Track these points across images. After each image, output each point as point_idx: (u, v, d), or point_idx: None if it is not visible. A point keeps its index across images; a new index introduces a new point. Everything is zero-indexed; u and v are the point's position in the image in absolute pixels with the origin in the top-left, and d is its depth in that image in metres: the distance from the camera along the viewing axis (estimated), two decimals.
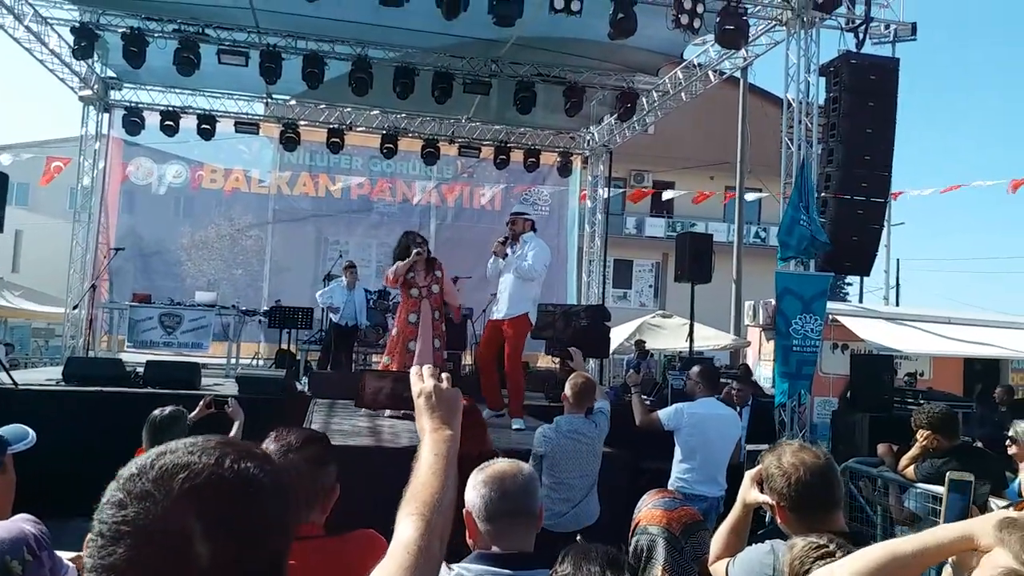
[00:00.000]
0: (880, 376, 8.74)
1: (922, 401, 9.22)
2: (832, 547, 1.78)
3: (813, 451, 2.18)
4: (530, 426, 6.67)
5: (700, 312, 15.03)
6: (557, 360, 10.95)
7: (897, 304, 25.27)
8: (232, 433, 4.48)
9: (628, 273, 25.87)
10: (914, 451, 4.57)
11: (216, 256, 16.42)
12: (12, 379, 7.62)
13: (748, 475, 2.35)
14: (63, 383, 7.96)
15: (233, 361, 11.06)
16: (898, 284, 26.93)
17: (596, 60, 11.54)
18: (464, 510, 1.92)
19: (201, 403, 4.74)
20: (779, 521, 2.14)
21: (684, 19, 8.50)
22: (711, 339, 15.72)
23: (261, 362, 12.12)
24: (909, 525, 4.57)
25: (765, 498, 2.19)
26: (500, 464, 1.97)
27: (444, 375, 1.53)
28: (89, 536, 0.84)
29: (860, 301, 23.78)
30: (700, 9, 8.49)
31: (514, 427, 6.77)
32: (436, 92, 11.32)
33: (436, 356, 6.94)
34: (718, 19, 8.77)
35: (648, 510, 2.11)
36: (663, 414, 5.36)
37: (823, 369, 12.47)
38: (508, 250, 7.07)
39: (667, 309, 18.90)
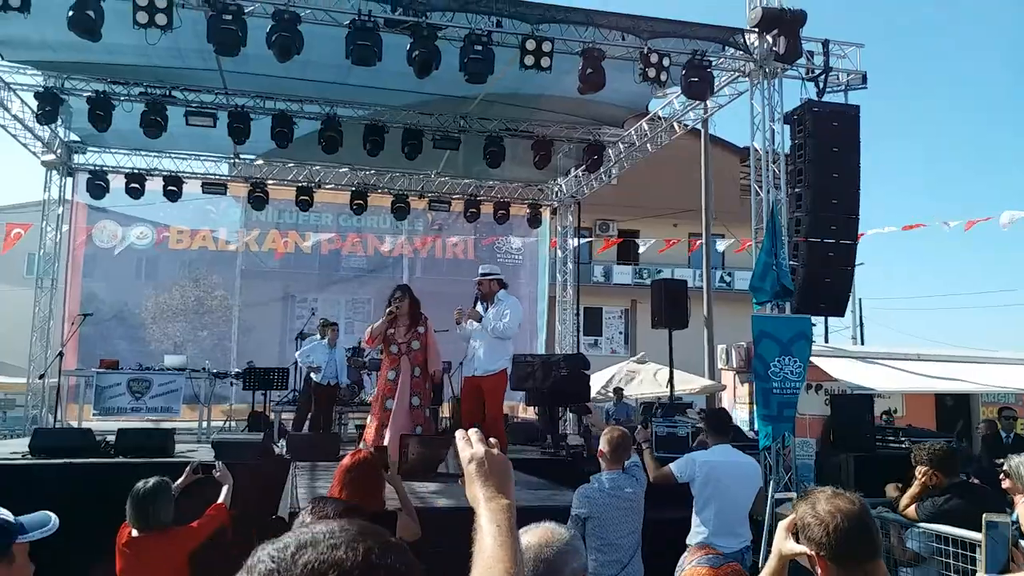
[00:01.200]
0: (861, 415, 8.82)
1: (903, 439, 9.33)
2: None
3: (848, 497, 2.14)
4: (519, 480, 6.57)
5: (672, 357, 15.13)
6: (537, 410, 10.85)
7: (862, 343, 25.68)
8: (221, 499, 4.34)
9: (598, 320, 25.97)
10: (914, 489, 4.57)
11: (181, 318, 16.12)
12: None
13: (781, 525, 2.30)
14: (30, 456, 7.64)
15: (205, 425, 10.77)
16: (862, 323, 27.39)
17: (564, 114, 11.74)
18: None
19: (187, 469, 4.57)
20: (819, 573, 2.09)
21: (651, 72, 8.71)
22: (687, 384, 15.75)
23: (233, 424, 11.83)
24: (913, 566, 4.55)
25: (802, 548, 2.14)
26: (534, 532, 1.85)
27: (491, 440, 1.48)
28: None
29: (826, 341, 24.11)
30: (666, 63, 8.72)
31: None
32: (406, 148, 11.39)
33: (416, 414, 6.84)
34: (684, 72, 9.00)
35: (692, 568, 2.05)
36: (675, 466, 5.25)
37: (799, 410, 12.56)
38: (480, 310, 7.09)
39: (638, 354, 18.95)
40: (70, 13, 7.14)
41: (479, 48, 8.19)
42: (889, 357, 13.86)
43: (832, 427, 9.43)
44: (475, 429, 1.50)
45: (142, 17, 7.22)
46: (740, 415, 14.84)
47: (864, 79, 17.14)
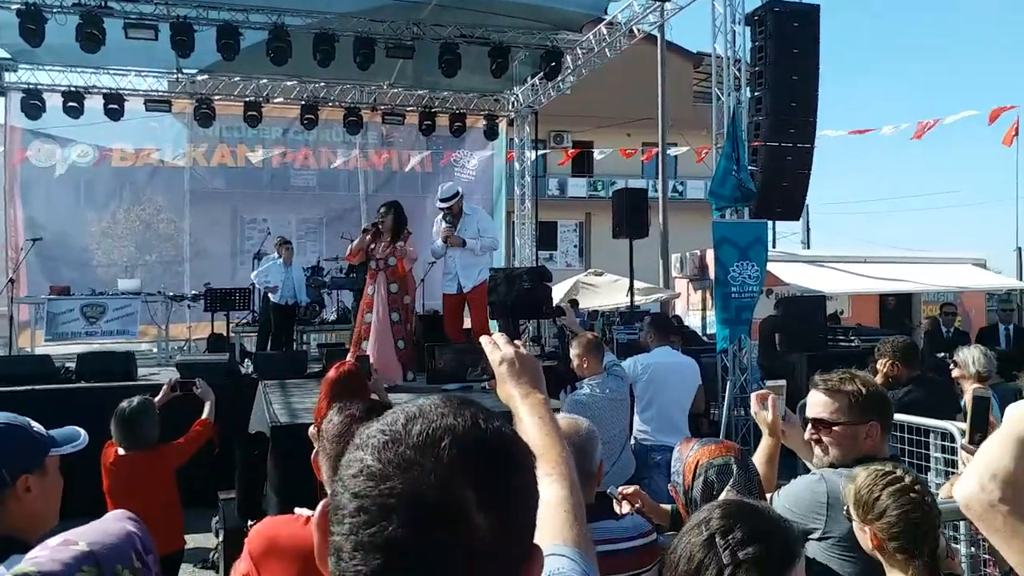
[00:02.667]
0: (813, 316, 9.09)
1: (852, 337, 9.70)
2: (900, 472, 1.83)
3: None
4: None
5: (627, 268, 15.31)
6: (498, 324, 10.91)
7: (808, 247, 26.29)
8: (205, 414, 4.33)
9: (553, 234, 26.02)
10: (877, 381, 4.77)
11: (129, 243, 15.65)
12: None
13: (754, 397, 2.42)
14: None
15: (164, 346, 10.66)
16: (808, 229, 27.97)
17: (520, 19, 11.43)
18: None
19: (165, 386, 4.54)
20: (871, 442, 2.16)
21: None
22: (644, 293, 16.02)
23: (193, 346, 11.73)
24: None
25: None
26: (561, 420, 1.93)
27: (518, 341, 1.50)
28: (342, 511, 0.77)
29: (774, 246, 24.63)
30: None
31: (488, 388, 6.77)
32: (358, 58, 11.00)
33: (396, 329, 6.84)
34: None
35: (701, 448, 2.13)
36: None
37: None
38: (451, 235, 7.07)
39: (593, 267, 19.16)
40: None
41: None
42: (837, 260, 14.27)
43: (781, 328, 9.73)
44: (499, 332, 1.52)
45: None
46: (693, 321, 15.23)
47: None
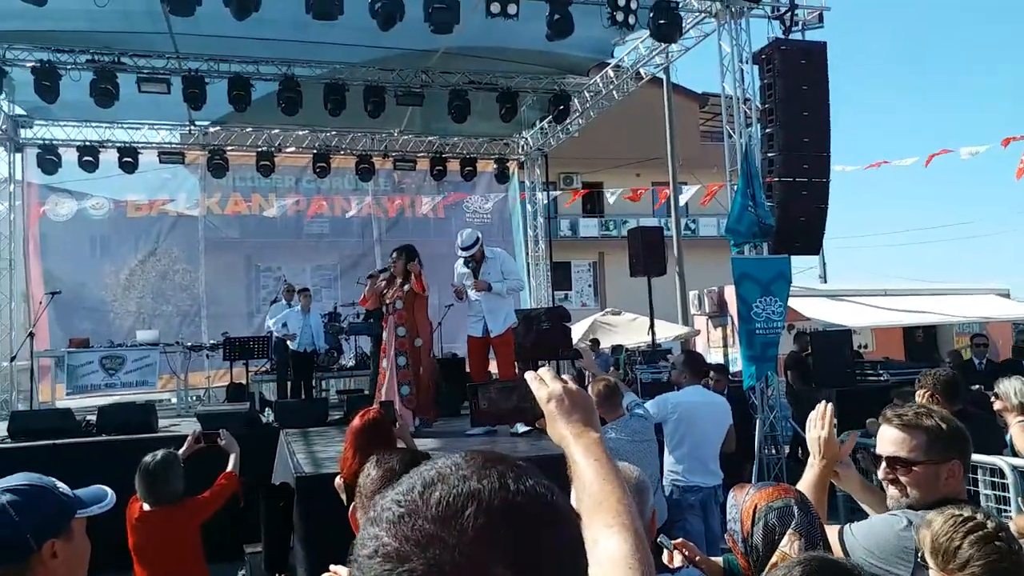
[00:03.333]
0: (840, 351, 8.96)
1: (880, 372, 9.52)
2: (981, 517, 1.72)
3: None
4: (532, 428, 6.55)
5: (644, 306, 15.20)
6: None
7: (825, 281, 26.11)
8: (230, 467, 4.24)
9: (567, 274, 25.99)
10: None
11: (146, 294, 15.72)
12: None
13: (815, 425, 2.30)
14: (9, 440, 7.43)
15: (184, 396, 10.62)
16: (824, 264, 27.80)
17: (528, 64, 11.55)
18: None
19: (189, 438, 4.44)
20: (952, 481, 2.04)
21: (620, 16, 8.59)
22: (664, 331, 15.91)
23: (213, 395, 11.67)
24: None
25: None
26: None
27: (566, 375, 1.42)
28: None
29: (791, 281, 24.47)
30: (634, 5, 8.59)
31: (520, 431, 6.56)
32: (368, 106, 11.12)
33: (401, 374, 6.74)
34: (651, 14, 8.88)
35: (757, 492, 2.02)
36: (648, 407, 5.30)
37: None
38: (476, 280, 7.00)
39: (608, 306, 19.07)
40: None
41: None
42: (857, 293, 14.13)
43: (806, 363, 9.59)
44: (545, 367, 1.44)
45: None
46: (715, 358, 15.04)
47: (820, 18, 17.18)
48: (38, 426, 7.54)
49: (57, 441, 7.09)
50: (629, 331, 15.14)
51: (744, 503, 2.00)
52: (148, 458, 3.86)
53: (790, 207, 8.97)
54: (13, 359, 10.54)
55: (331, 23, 9.03)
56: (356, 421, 3.77)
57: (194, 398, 11.17)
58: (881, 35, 78.74)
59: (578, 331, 15.67)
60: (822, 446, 2.28)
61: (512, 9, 8.25)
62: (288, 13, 9.06)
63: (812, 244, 9.32)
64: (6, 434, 7.54)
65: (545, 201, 14.77)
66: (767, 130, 9.15)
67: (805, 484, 2.28)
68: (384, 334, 6.82)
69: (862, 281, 17.88)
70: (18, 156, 12.46)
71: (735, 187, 8.77)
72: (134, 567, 3.79)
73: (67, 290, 13.51)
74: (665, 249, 10.19)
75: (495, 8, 8.20)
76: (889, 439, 2.11)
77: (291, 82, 10.85)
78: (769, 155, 9.12)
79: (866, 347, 14.27)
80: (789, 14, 9.62)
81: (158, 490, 3.79)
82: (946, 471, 2.02)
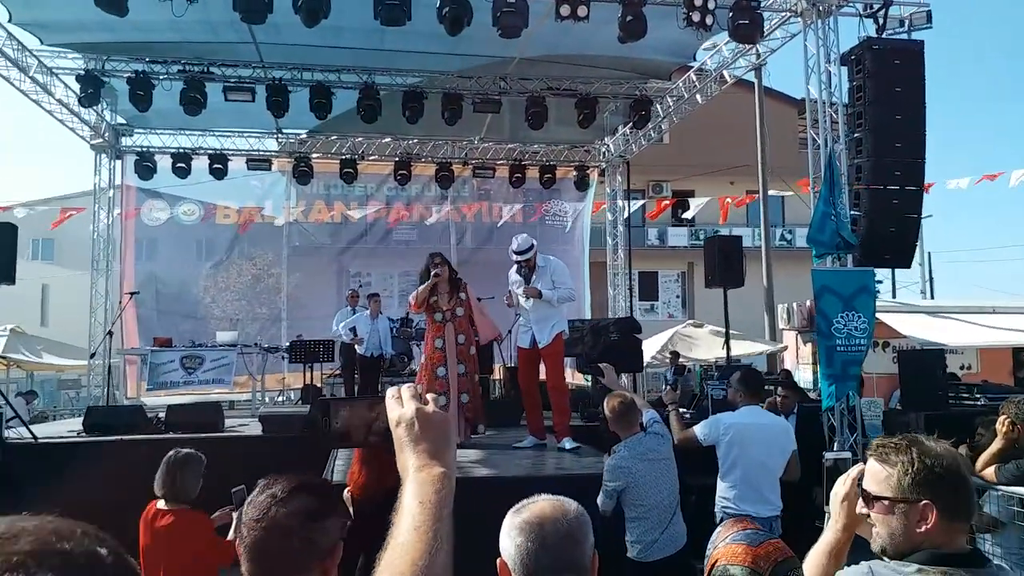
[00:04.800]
0: (932, 372, 8.30)
1: (977, 396, 8.78)
2: None
3: (948, 445, 1.80)
4: (584, 448, 6.35)
5: (733, 319, 14.58)
6: (589, 377, 10.58)
7: (932, 298, 24.62)
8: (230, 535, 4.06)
9: (654, 285, 25.46)
10: (994, 447, 4.17)
11: (240, 296, 16.35)
12: (31, 432, 7.43)
13: (843, 481, 1.97)
14: (84, 434, 7.75)
15: (260, 396, 10.88)
16: (931, 277, 26.20)
17: (606, 69, 11.31)
18: (499, 560, 1.59)
19: (227, 509, 4.04)
20: (924, 529, 1.71)
21: (696, 17, 8.25)
22: (747, 345, 15.29)
23: (288, 396, 11.93)
24: (991, 532, 4.17)
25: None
26: (540, 504, 1.59)
27: (431, 396, 1.23)
28: None
29: (893, 296, 23.19)
30: (711, 5, 8.24)
31: (567, 448, 6.45)
32: (446, 114, 11.14)
33: (462, 382, 6.66)
34: (730, 14, 8.50)
35: (727, 546, 1.77)
36: (699, 428, 4.97)
37: (865, 368, 12.04)
38: (527, 287, 6.82)
39: (696, 319, 18.49)
40: None
41: (512, 1, 7.84)
42: (962, 311, 13.16)
43: (900, 384, 8.94)
44: (409, 385, 1.25)
45: None
46: (804, 376, 14.34)
47: (928, 17, 16.23)
48: (111, 421, 7.83)
49: (125, 437, 7.32)
50: (711, 345, 14.60)
51: (715, 548, 1.75)
52: (172, 452, 3.91)
53: (878, 217, 8.39)
54: (92, 356, 11.05)
55: (408, 33, 9.12)
56: None
57: (270, 399, 11.42)
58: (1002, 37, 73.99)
59: (658, 343, 15.25)
60: (843, 510, 1.96)
61: (583, 11, 8.05)
62: (365, 21, 9.14)
63: (902, 257, 8.69)
64: (82, 428, 7.85)
65: (625, 208, 14.42)
66: (855, 135, 8.61)
67: (818, 551, 1.98)
68: (437, 342, 6.71)
69: (969, 298, 16.66)
70: (118, 163, 13.10)
71: (818, 194, 8.28)
72: (141, 569, 3.78)
73: (161, 292, 14.19)
74: (743, 260, 9.71)
75: (564, 10, 8.01)
76: (867, 471, 1.82)
77: (370, 90, 11.00)
78: (856, 161, 8.57)
79: (969, 368, 13.26)
80: (883, 12, 9.04)
81: (172, 483, 3.80)
82: (917, 513, 1.70)
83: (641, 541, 4.22)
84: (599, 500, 4.41)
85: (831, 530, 2.00)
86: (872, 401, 12.02)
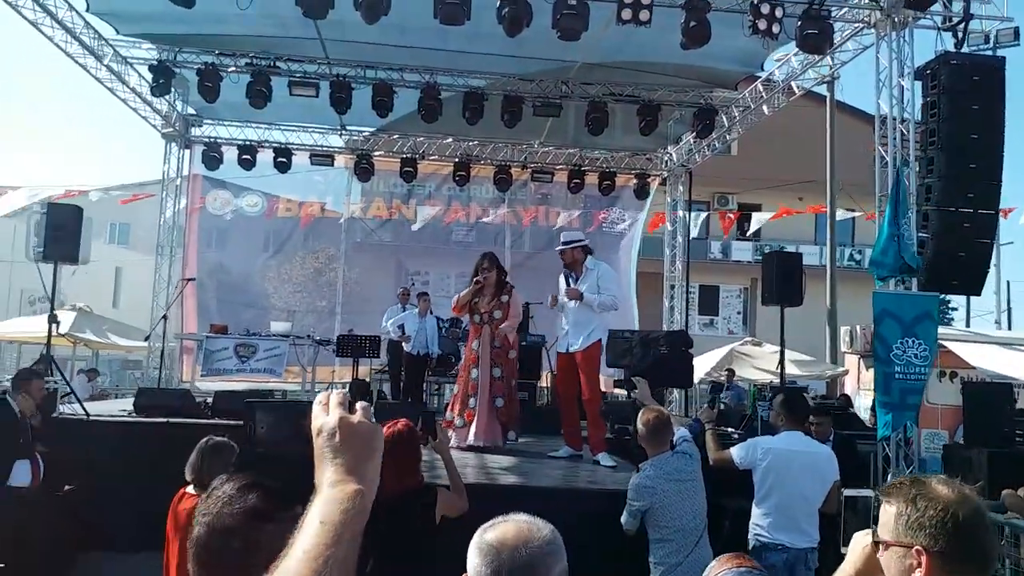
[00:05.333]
0: (999, 407, 7.86)
1: None
2: None
3: (967, 486, 1.67)
4: (619, 462, 6.20)
5: (794, 340, 14.14)
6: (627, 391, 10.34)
7: (1009, 329, 23.49)
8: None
9: (714, 299, 24.96)
10: None
11: (300, 288, 16.68)
12: (84, 409, 7.65)
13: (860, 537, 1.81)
14: (134, 414, 7.95)
15: (309, 388, 11.02)
16: (1009, 307, 24.99)
17: (670, 77, 11.11)
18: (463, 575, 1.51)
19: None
20: (920, 574, 1.59)
21: (762, 25, 8.01)
22: (804, 367, 14.82)
23: (337, 389, 12.03)
24: None
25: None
26: (508, 526, 1.49)
27: (360, 405, 1.14)
28: None
29: (967, 326, 22.21)
30: (779, 14, 7.99)
31: (604, 464, 6.28)
32: (505, 116, 11.10)
33: (498, 386, 6.58)
34: (799, 24, 8.23)
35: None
36: (735, 450, 4.77)
37: (929, 399, 11.49)
38: (570, 283, 6.66)
39: (757, 336, 18.03)
40: None
41: (573, 3, 7.75)
42: None
43: (964, 419, 8.51)
44: (340, 390, 1.17)
45: None
46: (864, 402, 13.82)
47: (1016, 34, 15.47)
48: (158, 403, 8.00)
49: (172, 420, 7.46)
50: (769, 364, 14.18)
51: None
52: (205, 439, 3.95)
53: (947, 240, 7.99)
54: (147, 338, 11.35)
55: (470, 34, 9.14)
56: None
57: (319, 390, 11.54)
58: None
59: (713, 359, 14.91)
60: (858, 553, 1.80)
61: (644, 15, 7.88)
62: (428, 20, 9.16)
63: (972, 284, 8.25)
64: (132, 408, 8.06)
65: (685, 219, 14.14)
66: (927, 153, 8.23)
67: None
68: (474, 344, 6.65)
69: None
70: (186, 152, 13.47)
71: (882, 214, 7.94)
72: (166, 553, 3.82)
73: (224, 280, 14.55)
74: (803, 278, 9.37)
75: (626, 14, 7.87)
76: (880, 511, 1.68)
77: (432, 90, 11.03)
78: (927, 181, 8.19)
79: None
80: (963, 25, 8.63)
81: (200, 470, 3.81)
82: (910, 559, 1.55)
83: (663, 564, 4.06)
84: (622, 519, 4.28)
85: (842, 571, 1.86)
86: (935, 433, 11.51)
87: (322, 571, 0.90)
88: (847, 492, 1.98)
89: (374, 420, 1.13)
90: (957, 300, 26.77)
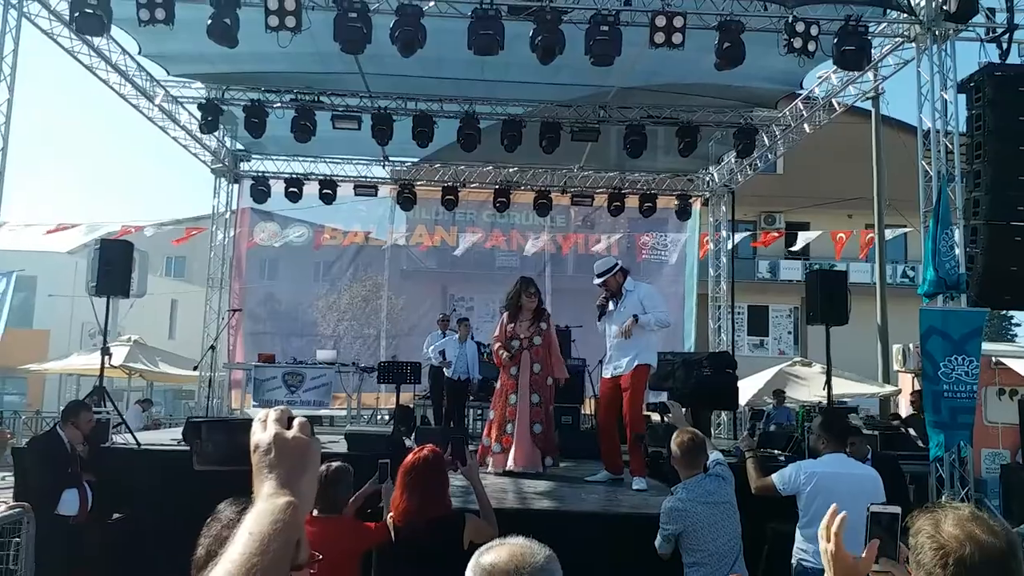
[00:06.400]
0: None
1: None
2: None
3: (989, 524, 1.62)
4: (652, 486, 6.14)
5: (846, 360, 13.83)
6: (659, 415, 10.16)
7: None
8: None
9: (764, 319, 24.55)
10: None
11: (347, 316, 16.92)
12: (135, 438, 7.87)
13: (824, 535, 1.81)
14: (182, 443, 8.14)
15: (356, 414, 11.17)
16: None
17: (709, 97, 11.09)
18: None
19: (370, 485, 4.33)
20: None
21: (797, 43, 7.98)
22: (857, 387, 14.48)
23: (381, 415, 12.20)
24: None
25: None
26: (502, 550, 1.47)
27: (298, 420, 1.19)
28: None
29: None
30: (815, 31, 7.95)
31: (635, 487, 6.22)
32: (544, 142, 11.20)
33: (535, 411, 6.59)
34: (835, 40, 8.17)
35: None
36: (778, 476, 4.67)
37: (988, 418, 11.16)
38: (611, 306, 6.65)
39: (808, 357, 17.67)
40: (208, 22, 7.51)
41: (605, 28, 7.83)
42: None
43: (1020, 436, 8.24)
44: (282, 407, 1.22)
45: (273, 21, 7.50)
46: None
47: None
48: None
49: None
50: (819, 385, 13.87)
51: None
52: (322, 467, 3.90)
53: (997, 255, 7.78)
54: (196, 368, 11.63)
55: (507, 63, 9.28)
56: (408, 458, 3.65)
57: (365, 417, 11.69)
58: None
59: (762, 380, 14.66)
60: (831, 562, 1.80)
61: (677, 38, 7.91)
62: (464, 52, 9.32)
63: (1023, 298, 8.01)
64: (181, 437, 8.25)
65: (729, 238, 14.02)
66: (973, 167, 8.05)
67: None
68: (512, 370, 6.68)
69: None
70: (235, 187, 13.88)
71: (927, 230, 7.78)
72: None
73: (275, 310, 14.87)
74: (848, 296, 9.19)
75: (659, 38, 7.91)
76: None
77: (471, 119, 11.19)
78: (974, 195, 8.00)
79: None
80: (1008, 36, 8.45)
81: (324, 498, 3.71)
82: None
83: None
84: (656, 543, 4.24)
85: None
86: (996, 453, 11.12)
87: (246, 570, 0.95)
88: (874, 507, 1.95)
89: (313, 435, 1.17)
90: (1020, 316, 25.88)
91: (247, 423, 1.24)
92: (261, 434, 1.14)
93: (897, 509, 2.03)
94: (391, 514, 3.70)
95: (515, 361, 6.74)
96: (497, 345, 7.03)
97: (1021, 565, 1.62)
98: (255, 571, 0.95)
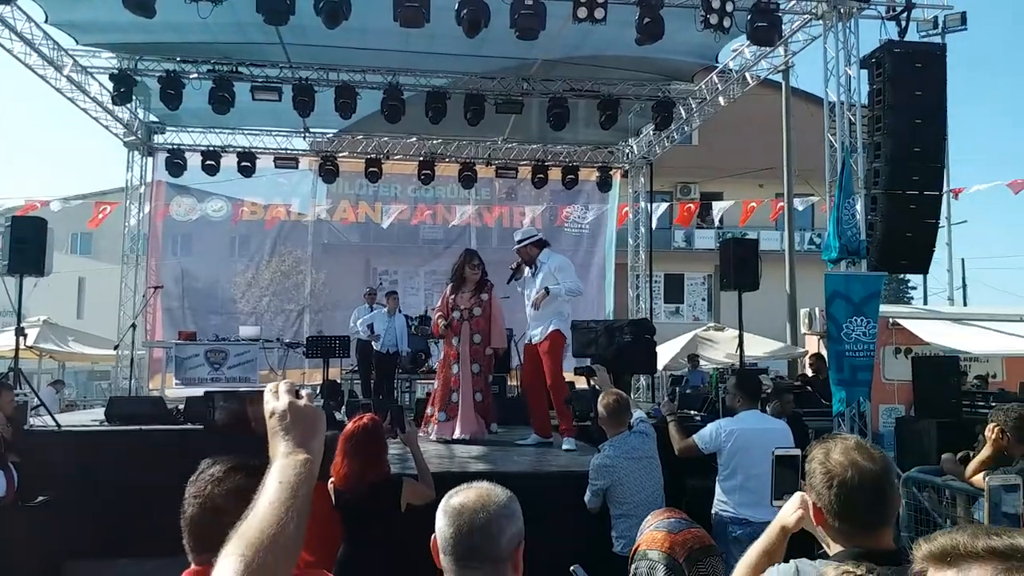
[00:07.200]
0: (946, 379, 8.22)
1: (993, 404, 8.65)
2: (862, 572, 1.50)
3: (870, 452, 1.88)
4: (580, 446, 6.41)
5: (757, 324, 14.46)
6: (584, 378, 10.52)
7: (965, 305, 24.17)
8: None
9: (679, 287, 25.37)
10: (983, 455, 4.14)
11: (267, 292, 16.63)
12: (55, 421, 7.68)
13: (795, 498, 2.06)
14: (106, 423, 7.98)
15: None
16: (964, 285, 25.69)
17: (629, 71, 11.35)
18: (433, 536, 1.69)
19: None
20: (814, 523, 1.85)
21: (713, 19, 8.27)
22: (765, 347, 15.21)
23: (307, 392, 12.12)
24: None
25: (797, 517, 1.91)
26: (469, 492, 1.67)
27: (304, 391, 1.36)
28: None
29: (924, 303, 22.82)
30: (730, 8, 8.25)
31: (564, 447, 6.50)
32: (468, 114, 11.26)
33: (475, 380, 6.76)
34: (749, 17, 8.51)
35: (649, 533, 1.85)
36: (699, 436, 4.99)
37: (886, 375, 11.87)
38: (528, 273, 6.85)
39: (721, 322, 18.40)
40: None
41: (530, 3, 7.93)
42: (988, 319, 12.91)
43: (914, 391, 8.87)
44: (286, 380, 1.38)
45: None
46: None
47: (963, 19, 15.86)
48: (132, 411, 8.04)
49: (144, 427, 7.52)
50: (731, 348, 14.52)
51: (640, 534, 1.83)
52: (331, 433, 3.93)
53: (895, 222, 8.34)
54: (116, 347, 11.35)
55: (431, 35, 9.25)
56: (348, 426, 3.79)
57: None
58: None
59: (678, 345, 15.23)
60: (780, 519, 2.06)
61: (599, 13, 8.09)
62: (388, 23, 9.27)
63: (919, 262, 8.62)
64: (104, 417, 8.09)
65: (647, 210, 14.43)
66: (874, 139, 8.56)
67: (755, 549, 2.06)
68: (453, 340, 6.82)
69: (996, 306, 16.37)
70: (149, 160, 13.43)
71: (832, 199, 8.26)
72: None
73: (191, 287, 14.50)
74: (759, 263, 9.65)
75: (581, 13, 8.07)
76: None
77: (395, 91, 11.14)
78: (875, 165, 8.52)
79: (995, 376, 13.04)
80: (905, 14, 8.97)
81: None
82: (809, 509, 1.83)
83: (625, 537, 4.28)
84: (586, 498, 4.49)
85: (768, 531, 2.09)
86: (893, 408, 11.88)
87: (284, 516, 1.11)
88: (778, 451, 2.20)
89: (319, 404, 1.33)
90: (916, 279, 27.43)
91: (254, 393, 1.39)
92: (275, 402, 1.28)
93: (797, 451, 2.32)
94: (332, 478, 3.82)
95: (455, 331, 6.87)
96: (437, 315, 7.16)
97: (894, 487, 1.91)
98: (291, 512, 1.12)
